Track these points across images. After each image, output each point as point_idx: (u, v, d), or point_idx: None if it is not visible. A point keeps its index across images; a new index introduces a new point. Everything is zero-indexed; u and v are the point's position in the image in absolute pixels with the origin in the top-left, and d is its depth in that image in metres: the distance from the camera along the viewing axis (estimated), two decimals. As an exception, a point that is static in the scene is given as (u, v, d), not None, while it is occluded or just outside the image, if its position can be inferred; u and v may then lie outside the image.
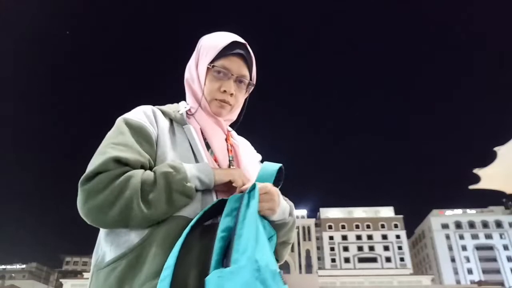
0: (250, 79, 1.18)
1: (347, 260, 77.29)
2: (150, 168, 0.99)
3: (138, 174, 0.93)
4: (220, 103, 1.14)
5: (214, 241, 0.86)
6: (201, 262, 0.87)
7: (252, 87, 1.20)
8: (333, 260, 77.51)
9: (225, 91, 1.12)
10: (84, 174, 0.92)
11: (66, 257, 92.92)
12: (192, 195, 0.96)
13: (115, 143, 0.98)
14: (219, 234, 0.86)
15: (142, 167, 0.97)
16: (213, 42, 1.15)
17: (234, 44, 1.13)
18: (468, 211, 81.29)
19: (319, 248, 79.74)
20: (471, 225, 79.35)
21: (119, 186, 0.90)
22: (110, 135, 1.03)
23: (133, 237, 0.92)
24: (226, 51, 1.12)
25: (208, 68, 1.12)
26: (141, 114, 1.08)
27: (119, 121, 1.06)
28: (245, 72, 1.15)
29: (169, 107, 1.18)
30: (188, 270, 0.86)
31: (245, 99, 1.23)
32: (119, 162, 0.93)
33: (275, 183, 1.09)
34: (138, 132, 1.02)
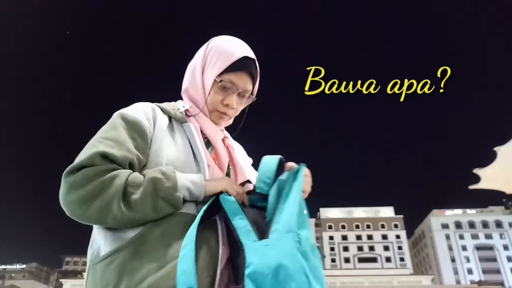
0: (252, 92, 1.19)
1: (347, 260, 77.13)
2: (140, 164, 0.97)
3: (123, 175, 0.90)
4: (220, 115, 1.16)
5: (217, 234, 0.91)
6: (211, 248, 0.88)
7: (252, 101, 1.20)
8: (333, 260, 77.29)
9: (227, 105, 1.13)
10: (70, 166, 0.90)
11: (66, 257, 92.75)
12: (178, 206, 0.93)
13: (105, 138, 0.96)
14: (268, 205, 0.91)
15: (130, 164, 0.95)
16: (224, 52, 1.13)
17: (244, 59, 1.12)
18: (468, 211, 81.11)
19: (319, 248, 79.49)
20: (471, 225, 79.18)
21: (102, 184, 0.87)
22: (103, 129, 1.01)
23: (130, 231, 0.91)
24: (236, 66, 1.11)
25: (215, 80, 1.12)
26: (138, 109, 1.07)
27: (115, 115, 1.05)
28: (250, 87, 1.16)
29: (168, 105, 1.17)
30: (203, 251, 0.87)
31: (245, 108, 1.23)
32: (106, 158, 0.91)
33: (277, 176, 1.12)
34: (133, 127, 1.01)
